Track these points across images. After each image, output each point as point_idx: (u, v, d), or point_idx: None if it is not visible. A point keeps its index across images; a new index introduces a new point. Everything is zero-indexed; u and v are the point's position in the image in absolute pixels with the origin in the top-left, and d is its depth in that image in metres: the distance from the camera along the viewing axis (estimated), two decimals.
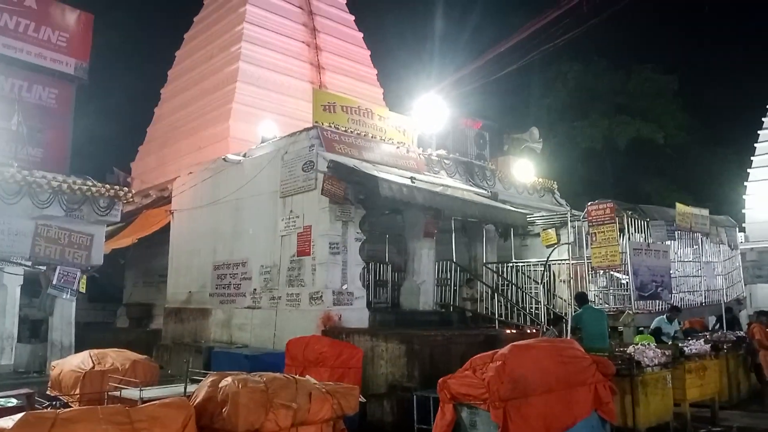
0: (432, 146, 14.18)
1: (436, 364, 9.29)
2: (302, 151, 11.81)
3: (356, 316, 11.12)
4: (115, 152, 23.18)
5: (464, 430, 6.21)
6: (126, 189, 12.20)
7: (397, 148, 13.07)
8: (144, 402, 5.36)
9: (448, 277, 14.26)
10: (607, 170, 31.43)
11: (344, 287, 11.09)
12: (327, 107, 12.85)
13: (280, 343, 10.59)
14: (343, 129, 12.37)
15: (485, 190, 14.44)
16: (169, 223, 15.40)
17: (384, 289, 14.52)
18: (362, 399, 9.16)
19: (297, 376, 5.60)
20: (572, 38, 15.13)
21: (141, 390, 6.25)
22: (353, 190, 11.11)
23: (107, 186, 11.91)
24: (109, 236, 14.65)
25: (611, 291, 13.81)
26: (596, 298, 13.66)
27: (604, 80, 31.67)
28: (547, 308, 13.20)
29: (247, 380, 5.06)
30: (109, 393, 6.71)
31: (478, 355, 6.57)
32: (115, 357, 7.95)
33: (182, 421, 4.48)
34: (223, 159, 13.73)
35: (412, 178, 12.15)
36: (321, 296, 10.88)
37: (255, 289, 12.36)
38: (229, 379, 5.10)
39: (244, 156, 13.49)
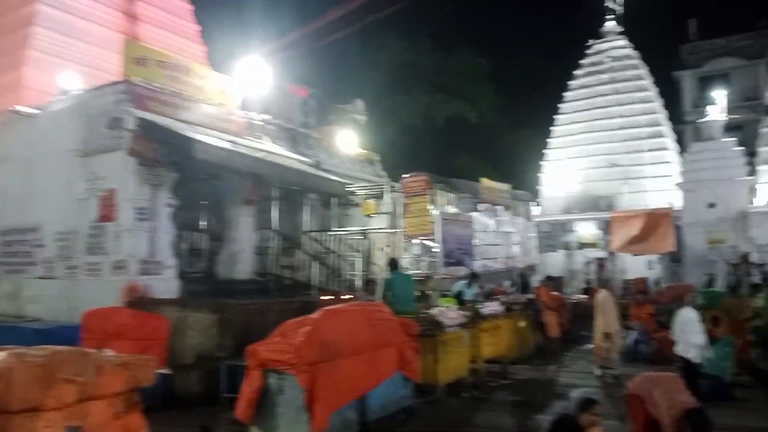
0: (255, 110, 13.77)
1: (251, 333, 9.09)
2: (108, 107, 10.80)
3: (165, 286, 10.54)
4: None
5: (272, 395, 6.20)
6: None
7: (218, 109, 12.50)
8: None
9: (268, 245, 14.07)
10: (426, 145, 33.11)
11: (152, 256, 10.44)
12: (139, 61, 11.81)
13: (77, 316, 9.69)
14: (157, 85, 11.50)
15: (309, 158, 14.41)
16: None
17: (199, 258, 13.92)
18: (167, 371, 8.84)
19: (85, 349, 5.14)
20: (393, 13, 15.49)
21: None
22: (165, 152, 10.42)
23: None
24: None
25: (424, 258, 14.69)
26: (410, 265, 14.44)
27: (426, 58, 33.13)
28: (364, 275, 13.63)
29: (24, 354, 4.51)
30: None
31: (289, 321, 6.57)
32: None
33: None
34: (14, 111, 12.12)
35: (232, 141, 11.72)
36: (125, 265, 10.13)
37: (49, 258, 11.17)
38: (2, 354, 4.52)
39: (40, 109, 12.03)
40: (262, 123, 13.51)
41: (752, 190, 21.90)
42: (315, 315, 6.56)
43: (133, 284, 9.97)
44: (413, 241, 14.44)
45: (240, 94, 13.23)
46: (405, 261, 14.35)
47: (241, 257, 12.65)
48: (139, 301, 9.74)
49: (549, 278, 14.48)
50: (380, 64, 32.60)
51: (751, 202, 21.56)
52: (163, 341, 8.86)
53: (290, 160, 13.12)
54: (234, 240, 12.73)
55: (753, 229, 20.82)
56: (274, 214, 14.35)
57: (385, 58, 32.60)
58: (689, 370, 8.42)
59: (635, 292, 17.32)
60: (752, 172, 22.08)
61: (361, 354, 6.76)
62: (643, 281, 19.22)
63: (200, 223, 14.44)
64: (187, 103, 11.75)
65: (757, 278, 16.55)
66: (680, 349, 8.89)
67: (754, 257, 18.65)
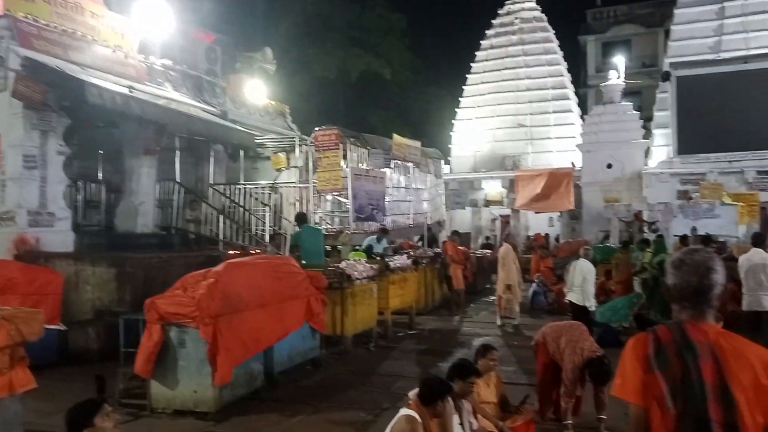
0: (156, 55, 12.97)
1: (152, 287, 8.77)
2: None
3: (59, 239, 9.92)
4: None
5: (172, 349, 6.02)
6: None
7: (114, 52, 11.65)
8: None
9: (171, 198, 13.52)
10: (340, 100, 32.69)
11: (43, 207, 9.76)
12: None
13: None
14: (44, 23, 10.54)
15: (215, 108, 13.81)
16: None
17: (97, 210, 13.21)
18: (62, 326, 8.42)
19: None
20: None
21: None
22: (55, 95, 9.64)
23: None
24: None
25: (336, 213, 14.62)
26: (322, 220, 14.35)
27: (340, 11, 32.39)
28: (273, 229, 13.43)
29: None
30: None
31: (190, 274, 6.36)
32: None
33: None
34: None
35: (130, 87, 11.00)
36: (13, 217, 9.41)
37: None
38: None
39: None
40: (163, 68, 12.76)
41: (647, 153, 23.31)
42: (218, 267, 6.38)
43: (21, 236, 9.31)
44: (328, 196, 14.31)
45: (138, 36, 12.38)
46: (317, 216, 14.24)
47: (142, 210, 12.04)
48: (29, 255, 9.16)
49: (455, 233, 14.86)
50: (292, 14, 31.53)
51: (646, 164, 22.96)
52: (57, 296, 8.45)
53: (194, 108, 12.52)
54: (134, 192, 12.08)
55: (646, 189, 22.24)
56: (178, 165, 13.76)
57: (298, 7, 31.54)
58: (584, 318, 8.82)
59: (537, 247, 18.17)
60: (648, 136, 23.45)
61: (267, 306, 6.68)
62: (542, 236, 20.14)
63: (97, 173, 13.66)
64: (78, 44, 10.86)
65: (647, 235, 17.71)
66: (577, 298, 9.26)
67: (646, 215, 19.94)
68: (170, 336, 5.99)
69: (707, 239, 11.78)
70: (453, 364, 4.60)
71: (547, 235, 22.17)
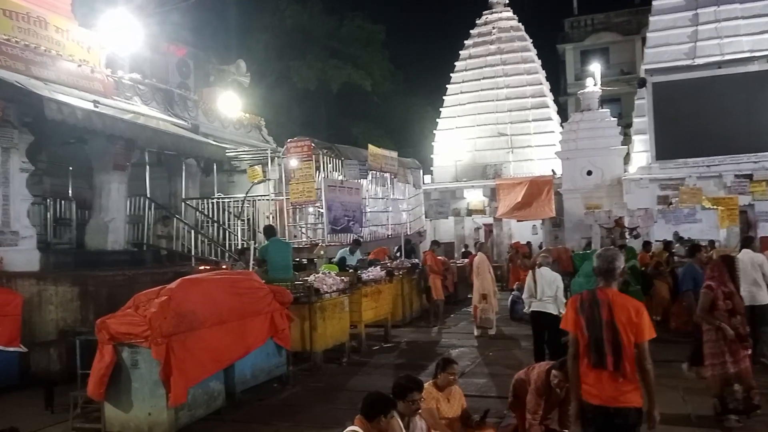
0: (125, 69, 12.81)
1: (117, 306, 8.55)
2: None
3: (23, 258, 9.71)
4: None
5: (125, 370, 5.83)
6: None
7: (79, 66, 11.47)
8: None
9: (143, 214, 13.31)
10: (321, 112, 32.59)
11: (6, 225, 9.54)
12: None
13: None
14: (5, 38, 10.35)
15: (186, 121, 13.65)
16: None
17: (67, 228, 12.98)
18: (22, 348, 8.20)
19: None
20: None
21: None
22: (16, 111, 9.47)
23: None
24: None
25: (319, 226, 14.44)
26: (301, 232, 14.17)
27: (319, 23, 32.34)
28: (245, 243, 13.24)
29: None
30: None
31: (143, 292, 6.19)
32: None
33: None
34: None
35: (95, 102, 10.83)
36: None
37: None
38: None
39: None
40: (131, 82, 12.59)
41: (626, 159, 23.34)
42: (172, 285, 6.20)
43: None
44: (309, 208, 14.12)
45: (105, 50, 12.20)
46: (297, 228, 14.05)
47: (112, 227, 11.85)
48: None
49: (434, 243, 14.72)
50: (271, 27, 31.44)
51: (625, 170, 22.98)
52: (16, 317, 8.24)
53: (164, 122, 12.35)
54: (104, 208, 11.89)
55: (626, 195, 22.23)
56: (148, 180, 13.57)
57: (277, 20, 31.45)
58: (556, 329, 8.42)
59: (521, 256, 18.04)
60: (629, 142, 23.49)
61: (225, 323, 6.49)
62: (519, 245, 20.02)
63: (68, 190, 13.44)
64: (42, 59, 10.67)
65: (627, 241, 17.66)
66: (552, 308, 8.73)
67: (627, 221, 19.92)
68: (123, 357, 5.81)
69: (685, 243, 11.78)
70: (397, 381, 4.46)
71: (529, 243, 22.07)
